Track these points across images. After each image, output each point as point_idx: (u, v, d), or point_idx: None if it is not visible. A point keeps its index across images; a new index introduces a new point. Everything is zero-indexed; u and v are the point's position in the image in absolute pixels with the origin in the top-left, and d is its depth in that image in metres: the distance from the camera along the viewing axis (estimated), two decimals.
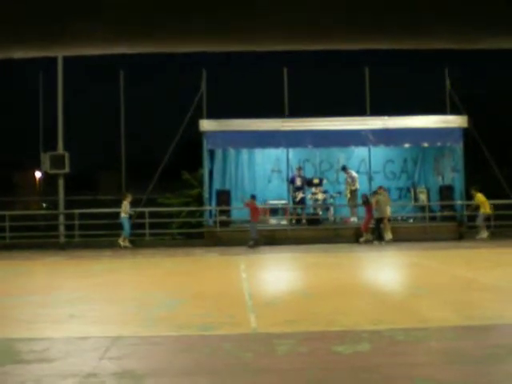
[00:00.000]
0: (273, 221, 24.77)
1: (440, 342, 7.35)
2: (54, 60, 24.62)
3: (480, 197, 23.42)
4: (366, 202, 22.95)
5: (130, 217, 23.25)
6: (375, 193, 23.07)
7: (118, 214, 23.12)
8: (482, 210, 23.38)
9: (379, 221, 22.44)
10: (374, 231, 22.68)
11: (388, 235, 22.45)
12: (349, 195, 24.96)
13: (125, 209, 22.94)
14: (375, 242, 22.14)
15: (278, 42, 23.65)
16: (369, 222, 22.82)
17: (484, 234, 23.23)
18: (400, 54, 26.92)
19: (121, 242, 22.81)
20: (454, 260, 17.54)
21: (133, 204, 23.71)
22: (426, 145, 25.28)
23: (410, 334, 7.66)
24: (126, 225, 22.94)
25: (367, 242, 22.38)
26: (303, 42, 23.53)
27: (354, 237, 23.06)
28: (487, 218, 23.71)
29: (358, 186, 24.94)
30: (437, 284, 12.26)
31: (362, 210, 25.14)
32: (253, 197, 22.75)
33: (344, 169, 25.35)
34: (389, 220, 22.96)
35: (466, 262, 17.10)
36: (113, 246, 22.70)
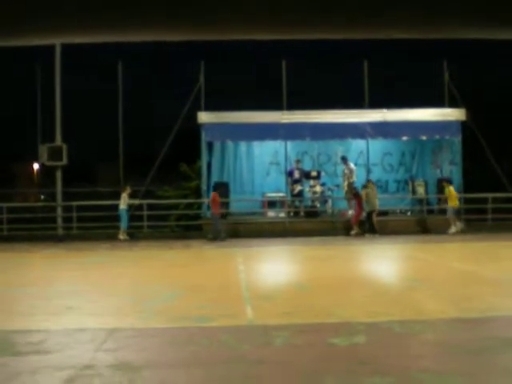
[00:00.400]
0: (271, 213, 24.78)
1: (436, 334, 7.35)
2: (51, 50, 24.57)
3: (451, 190, 23.16)
4: (357, 195, 22.97)
5: (129, 209, 23.25)
6: (365, 186, 23.07)
7: (116, 206, 23.12)
8: (450, 204, 23.12)
9: (370, 214, 22.47)
10: (363, 224, 22.72)
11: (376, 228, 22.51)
12: (346, 188, 24.93)
13: (124, 201, 22.94)
14: (367, 235, 22.16)
15: (266, 30, 23.22)
16: (359, 215, 22.84)
17: (456, 227, 22.91)
18: (399, 47, 26.96)
19: (120, 236, 22.82)
20: (451, 253, 17.59)
21: (131, 196, 23.72)
22: (424, 138, 25.32)
23: (406, 326, 7.67)
24: (125, 217, 22.94)
25: (357, 235, 22.39)
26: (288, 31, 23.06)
27: (345, 230, 23.08)
28: (457, 212, 23.45)
29: (355, 178, 24.91)
30: (433, 277, 12.28)
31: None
32: (215, 189, 22.64)
33: (344, 159, 25.31)
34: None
35: (463, 254, 17.16)
36: (111, 238, 22.71)
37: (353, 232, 22.64)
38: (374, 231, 22.28)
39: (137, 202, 23.53)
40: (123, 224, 22.99)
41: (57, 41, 24.49)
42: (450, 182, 23.70)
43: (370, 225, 22.53)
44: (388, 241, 20.55)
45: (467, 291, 10.31)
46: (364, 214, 22.93)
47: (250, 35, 24.51)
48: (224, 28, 23.39)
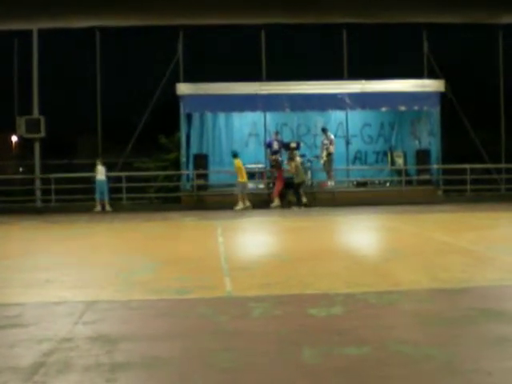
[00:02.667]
0: (250, 184, 24.80)
1: (413, 305, 7.42)
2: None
3: (238, 163, 22.80)
4: (277, 167, 22.89)
5: (109, 180, 23.20)
6: (290, 158, 22.90)
7: (94, 178, 23.06)
8: (239, 179, 22.70)
9: (299, 185, 22.42)
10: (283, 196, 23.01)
11: (303, 199, 22.55)
12: (325, 158, 24.95)
13: (101, 172, 22.86)
14: (294, 208, 22.16)
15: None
16: (280, 187, 22.77)
17: (241, 204, 22.58)
18: (379, 22, 26.80)
19: (100, 207, 22.80)
20: (429, 223, 17.70)
21: (109, 168, 23.65)
22: (403, 108, 25.37)
23: (383, 297, 7.73)
24: (105, 188, 22.89)
25: (277, 207, 22.41)
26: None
27: (265, 203, 23.10)
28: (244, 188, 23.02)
29: (333, 149, 24.93)
30: (411, 247, 12.37)
31: (339, 174, 25.29)
32: (237, 155, 23.04)
33: (324, 130, 25.32)
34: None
35: (441, 225, 17.27)
36: (89, 210, 22.66)
37: (273, 204, 22.61)
38: (301, 203, 22.27)
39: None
40: (102, 195, 22.91)
41: (33, 26, 24.28)
42: (236, 154, 23.21)
43: (297, 197, 22.48)
44: (367, 211, 20.63)
45: (444, 261, 10.39)
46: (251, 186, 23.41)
47: (227, 20, 24.45)
48: (202, 12, 23.34)
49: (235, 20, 24.50)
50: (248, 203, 22.38)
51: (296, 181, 22.45)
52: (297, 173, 22.41)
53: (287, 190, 22.84)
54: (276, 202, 22.66)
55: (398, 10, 23.66)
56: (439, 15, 24.20)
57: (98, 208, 22.86)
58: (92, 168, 23.61)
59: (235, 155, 22.95)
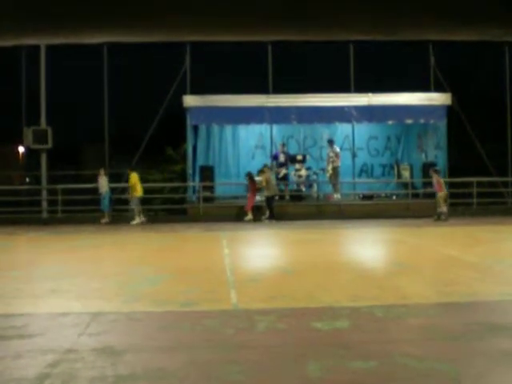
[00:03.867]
0: (256, 197, 24.79)
1: (419, 319, 7.40)
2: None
3: (133, 177, 22.42)
4: (252, 181, 22.82)
5: (111, 192, 23.20)
6: (262, 171, 22.80)
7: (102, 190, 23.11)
8: (134, 193, 22.40)
9: (271, 199, 22.33)
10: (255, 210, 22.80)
11: (267, 213, 22.56)
12: (331, 171, 24.95)
13: (104, 184, 22.88)
14: (266, 221, 22.07)
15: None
16: (253, 200, 22.68)
17: (138, 219, 22.39)
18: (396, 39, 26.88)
19: (103, 220, 22.81)
20: (436, 237, 17.66)
21: (116, 179, 23.71)
22: (409, 122, 25.36)
23: (389, 311, 7.71)
24: (107, 200, 22.92)
25: (251, 221, 22.31)
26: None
27: (236, 216, 23.05)
28: (142, 202, 22.90)
29: (339, 162, 24.94)
30: (417, 261, 12.36)
31: (345, 187, 25.26)
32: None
33: (330, 142, 25.32)
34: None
35: (447, 239, 17.22)
36: (96, 221, 22.67)
37: (246, 218, 22.53)
38: (273, 217, 22.19)
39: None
40: (106, 207, 22.93)
41: (41, 42, 24.41)
42: (133, 169, 22.94)
43: (269, 210, 22.41)
44: (373, 224, 20.59)
45: (451, 275, 10.35)
46: (258, 199, 23.07)
47: (234, 37, 24.52)
48: (209, 29, 23.41)
49: (241, 37, 24.53)
50: (143, 218, 22.36)
51: (266, 194, 22.39)
52: (268, 186, 22.31)
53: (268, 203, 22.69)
54: (249, 215, 22.56)
55: (406, 27, 23.65)
56: (448, 33, 24.20)
57: (107, 219, 22.86)
58: (97, 180, 23.63)
59: (132, 169, 22.87)
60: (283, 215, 22.87)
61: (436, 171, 22.30)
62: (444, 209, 21.70)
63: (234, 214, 22.94)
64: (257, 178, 22.85)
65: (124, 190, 24.01)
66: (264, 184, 22.33)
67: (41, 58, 24.74)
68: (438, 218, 21.50)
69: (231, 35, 24.11)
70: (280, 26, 23.18)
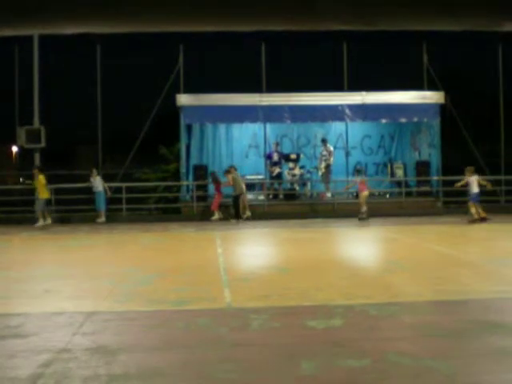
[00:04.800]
0: (250, 196, 24.79)
1: (413, 317, 7.42)
2: (30, 34, 24.42)
3: (41, 179, 21.72)
4: (215, 181, 22.80)
5: (105, 191, 23.17)
6: (227, 171, 22.74)
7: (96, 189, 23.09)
8: (41, 195, 21.71)
9: (237, 198, 22.29)
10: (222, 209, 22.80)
11: (247, 213, 22.47)
12: (323, 170, 24.95)
13: (99, 183, 22.82)
14: (233, 220, 22.02)
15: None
16: (219, 200, 22.64)
17: (42, 221, 21.56)
18: (378, 29, 26.91)
19: (100, 219, 22.78)
20: (429, 235, 17.70)
21: (109, 179, 23.67)
22: (403, 120, 25.37)
23: (383, 309, 7.73)
24: (102, 199, 22.88)
25: (219, 220, 22.25)
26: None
27: (201, 215, 23.11)
28: (47, 203, 22.29)
29: (332, 160, 24.95)
30: (411, 259, 12.36)
31: (338, 185, 25.27)
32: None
33: (324, 141, 25.31)
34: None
35: (440, 237, 17.28)
36: (89, 221, 22.64)
37: (214, 217, 22.51)
38: (239, 216, 22.13)
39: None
40: (102, 206, 22.91)
41: (34, 32, 24.33)
42: (42, 170, 22.28)
43: (235, 210, 22.39)
44: (369, 223, 20.62)
45: (445, 273, 10.38)
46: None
47: (226, 27, 24.49)
48: (200, 19, 23.37)
49: (233, 27, 24.50)
50: (49, 220, 21.75)
51: (233, 193, 22.35)
52: (234, 185, 22.27)
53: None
54: (216, 215, 22.54)
55: (396, 17, 23.65)
56: (438, 23, 24.20)
57: (103, 219, 22.80)
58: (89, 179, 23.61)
59: (41, 169, 22.35)
60: (277, 214, 22.88)
61: (359, 171, 22.51)
62: (365, 208, 21.59)
63: (200, 214, 23.01)
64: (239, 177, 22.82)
65: (117, 190, 23.99)
66: (231, 183, 22.28)
67: (34, 53, 24.63)
68: (363, 217, 21.51)
69: (222, 25, 24.10)
70: (272, 17, 23.16)
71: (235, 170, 22.85)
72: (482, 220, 20.02)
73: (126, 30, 24.50)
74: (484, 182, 20.88)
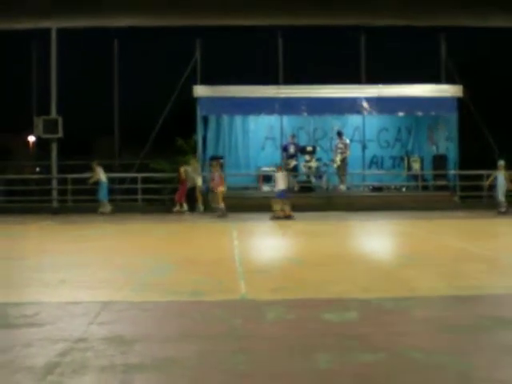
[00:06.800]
0: (266, 188, 24.77)
1: (428, 312, 7.40)
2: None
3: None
4: (179, 173, 22.64)
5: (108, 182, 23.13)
6: (181, 165, 22.63)
7: (110, 180, 23.12)
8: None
9: (191, 191, 22.15)
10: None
11: (199, 206, 22.32)
12: (339, 162, 24.84)
13: (102, 174, 22.79)
14: (187, 213, 21.86)
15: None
16: (182, 192, 22.45)
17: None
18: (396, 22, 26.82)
19: (105, 209, 22.68)
20: (446, 229, 17.63)
21: (126, 169, 23.74)
22: (420, 114, 25.32)
23: (398, 304, 7.72)
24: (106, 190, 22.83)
25: (180, 212, 22.15)
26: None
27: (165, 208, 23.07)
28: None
29: (348, 153, 24.86)
30: (427, 253, 12.33)
31: (355, 178, 25.23)
32: None
33: (339, 134, 25.22)
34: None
35: (457, 231, 17.21)
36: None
37: (175, 209, 22.41)
38: (193, 209, 22.00)
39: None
40: (104, 197, 22.78)
41: (52, 25, 24.41)
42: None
43: (189, 202, 22.26)
44: (379, 216, 20.55)
45: (460, 268, 10.36)
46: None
47: (242, 21, 24.53)
48: (222, 12, 23.43)
49: (250, 21, 24.54)
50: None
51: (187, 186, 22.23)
52: (186, 178, 22.13)
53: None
54: (177, 206, 22.48)
55: (414, 11, 23.61)
56: (457, 17, 24.13)
57: (107, 208, 22.72)
58: (108, 169, 23.66)
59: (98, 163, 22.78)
60: (292, 206, 22.86)
61: (217, 164, 21.79)
62: (222, 204, 21.00)
63: (245, 205, 22.93)
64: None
65: (133, 181, 24.07)
66: (183, 176, 22.18)
67: (52, 44, 24.71)
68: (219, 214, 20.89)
69: (239, 19, 24.14)
70: (292, 10, 23.17)
71: (196, 161, 22.82)
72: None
73: (149, 24, 24.59)
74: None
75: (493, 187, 21.85)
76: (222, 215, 20.60)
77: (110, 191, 23.29)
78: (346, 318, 7.00)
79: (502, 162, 21.62)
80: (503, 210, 21.01)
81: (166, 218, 20.82)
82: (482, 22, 24.50)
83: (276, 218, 19.62)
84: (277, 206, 19.85)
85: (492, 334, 6.35)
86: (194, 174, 22.47)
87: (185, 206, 22.37)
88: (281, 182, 20.05)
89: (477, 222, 19.36)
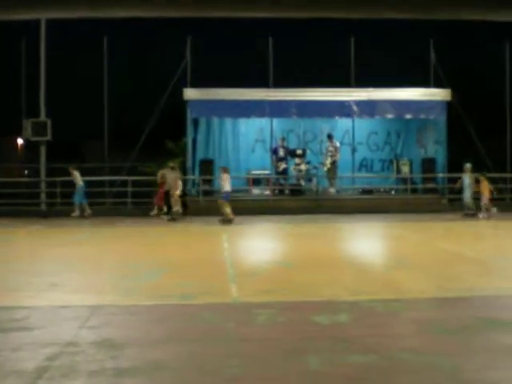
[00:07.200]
0: (256, 191, 24.79)
1: (418, 314, 7.42)
2: (37, 25, 24.41)
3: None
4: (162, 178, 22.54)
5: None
6: (164, 168, 22.46)
7: (99, 183, 23.03)
8: None
9: (166, 194, 21.98)
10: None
11: (175, 210, 21.68)
12: (329, 165, 24.86)
13: (79, 178, 22.59)
14: (163, 217, 21.81)
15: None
16: (160, 196, 22.26)
17: (155, 211, 22.37)
18: (386, 25, 26.96)
19: (86, 212, 22.49)
20: (435, 232, 17.68)
21: (115, 172, 23.65)
22: (409, 117, 25.36)
23: (388, 306, 7.73)
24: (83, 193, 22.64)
25: (158, 215, 22.06)
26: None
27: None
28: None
29: (338, 156, 24.90)
30: (417, 256, 12.37)
31: (344, 181, 25.28)
32: None
33: (329, 137, 25.24)
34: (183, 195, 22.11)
35: (446, 234, 17.27)
36: (93, 214, 22.54)
37: (152, 212, 22.30)
38: (167, 212, 21.58)
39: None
40: (83, 199, 22.57)
41: (42, 16, 24.31)
42: None
43: (167, 206, 22.03)
44: (367, 219, 20.58)
45: (450, 271, 10.39)
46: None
47: (235, 13, 24.52)
48: (213, 5, 23.42)
49: (243, 13, 24.54)
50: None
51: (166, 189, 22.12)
52: (164, 182, 22.00)
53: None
54: (155, 210, 22.38)
55: (404, 4, 23.65)
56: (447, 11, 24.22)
57: (77, 213, 22.48)
58: (98, 172, 23.58)
59: None
60: (282, 209, 22.87)
61: (173, 168, 21.48)
62: (176, 208, 20.91)
63: (235, 208, 22.90)
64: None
65: (123, 184, 24.01)
66: (159, 179, 22.05)
67: (41, 35, 24.59)
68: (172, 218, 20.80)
69: (231, 11, 24.15)
70: (280, 3, 23.22)
71: (176, 167, 22.52)
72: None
73: (135, 15, 24.51)
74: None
75: (461, 190, 21.93)
76: (173, 219, 20.54)
77: (87, 195, 23.01)
78: (336, 321, 7.01)
79: (468, 165, 21.79)
80: (471, 212, 21.11)
81: (154, 222, 20.77)
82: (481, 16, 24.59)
83: (227, 221, 19.50)
84: (227, 209, 19.72)
85: (482, 335, 6.37)
86: (173, 179, 22.11)
87: (164, 209, 22.19)
88: (226, 183, 19.93)
89: (465, 224, 19.41)
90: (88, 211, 22.47)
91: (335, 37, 27.13)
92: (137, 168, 25.91)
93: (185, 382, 5.17)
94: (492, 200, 21.42)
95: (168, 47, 27.91)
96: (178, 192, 20.94)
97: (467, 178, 21.39)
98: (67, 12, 24.08)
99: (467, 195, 21.40)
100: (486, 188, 21.04)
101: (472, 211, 21.12)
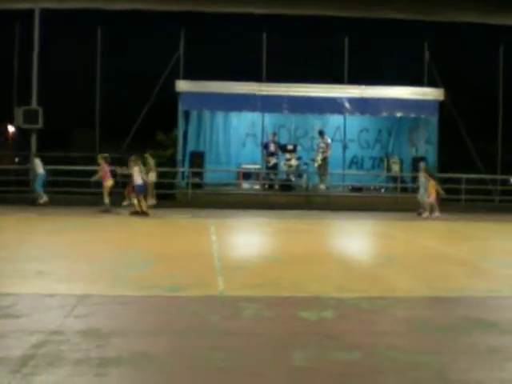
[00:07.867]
0: (246, 185, 24.79)
1: (405, 312, 7.44)
2: (30, 13, 24.31)
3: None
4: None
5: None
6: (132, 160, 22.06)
7: (91, 172, 22.92)
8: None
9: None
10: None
11: (149, 201, 21.53)
12: (320, 162, 24.86)
13: (40, 166, 22.41)
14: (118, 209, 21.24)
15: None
16: (131, 188, 21.95)
17: (127, 201, 21.64)
18: (380, 23, 26.93)
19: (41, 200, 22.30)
20: (423, 231, 17.72)
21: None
22: (401, 115, 25.36)
23: (375, 303, 7.74)
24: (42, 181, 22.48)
25: (128, 206, 21.72)
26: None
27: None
28: None
29: (329, 153, 24.90)
30: (405, 254, 12.39)
31: (334, 178, 25.30)
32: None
33: (321, 133, 25.23)
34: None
35: (435, 234, 17.32)
36: (84, 203, 22.49)
37: (124, 203, 21.95)
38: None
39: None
40: (40, 188, 22.40)
41: (36, 5, 24.21)
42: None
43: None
44: (359, 217, 20.61)
45: (438, 270, 10.41)
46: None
47: (229, 8, 24.49)
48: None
49: (237, 8, 24.50)
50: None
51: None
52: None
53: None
54: (126, 201, 22.05)
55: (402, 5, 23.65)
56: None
57: (45, 198, 22.28)
58: (88, 161, 23.47)
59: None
60: (272, 204, 22.87)
61: (135, 160, 20.41)
62: (107, 200, 20.43)
63: (224, 201, 22.89)
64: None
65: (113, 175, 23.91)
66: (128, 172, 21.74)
67: (35, 24, 24.47)
68: (105, 209, 20.29)
69: (225, 5, 24.11)
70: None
71: (152, 158, 22.53)
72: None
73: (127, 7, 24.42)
74: None
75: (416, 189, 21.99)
76: (106, 211, 20.19)
77: (45, 183, 22.80)
78: (323, 317, 7.01)
79: (422, 165, 21.87)
80: (424, 214, 21.02)
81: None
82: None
83: (134, 213, 19.38)
84: (140, 201, 19.53)
85: (469, 335, 6.40)
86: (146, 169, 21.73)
87: (127, 200, 21.78)
88: (137, 176, 19.72)
89: (454, 224, 19.46)
90: (45, 198, 22.27)
91: (329, 33, 27.04)
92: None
93: (170, 373, 5.16)
94: (438, 200, 21.28)
95: (162, 39, 27.76)
96: (110, 183, 20.63)
97: (422, 178, 21.43)
98: (63, 3, 23.97)
99: (421, 193, 21.39)
100: (432, 187, 21.00)
101: (426, 213, 21.05)
